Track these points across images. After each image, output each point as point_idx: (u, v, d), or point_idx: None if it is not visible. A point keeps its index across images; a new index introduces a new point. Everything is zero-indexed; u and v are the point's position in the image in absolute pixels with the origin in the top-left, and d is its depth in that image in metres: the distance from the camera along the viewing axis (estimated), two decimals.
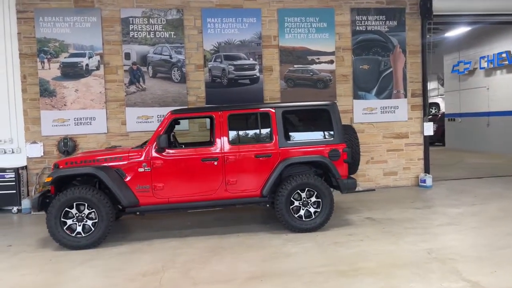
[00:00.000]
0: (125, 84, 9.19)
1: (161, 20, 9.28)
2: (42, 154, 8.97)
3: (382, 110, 10.07)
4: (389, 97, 10.09)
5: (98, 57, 9.09)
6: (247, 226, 6.87)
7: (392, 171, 10.18)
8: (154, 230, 6.97)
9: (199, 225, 7.08)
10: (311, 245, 5.81)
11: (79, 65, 9.05)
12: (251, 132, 6.73)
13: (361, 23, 9.98)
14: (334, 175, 6.50)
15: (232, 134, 6.45)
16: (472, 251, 5.33)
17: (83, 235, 5.96)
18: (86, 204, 5.95)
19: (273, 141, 6.43)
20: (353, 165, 7.05)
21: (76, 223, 5.96)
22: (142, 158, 6.23)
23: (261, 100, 9.53)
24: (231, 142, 6.38)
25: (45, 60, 8.96)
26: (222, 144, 6.34)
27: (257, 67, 9.59)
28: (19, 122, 9.03)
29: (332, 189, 6.61)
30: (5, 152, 9.00)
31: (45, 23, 8.92)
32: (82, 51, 9.05)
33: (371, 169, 10.10)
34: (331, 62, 9.86)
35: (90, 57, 9.07)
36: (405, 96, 10.16)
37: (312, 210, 6.44)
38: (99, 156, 6.29)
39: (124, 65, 9.19)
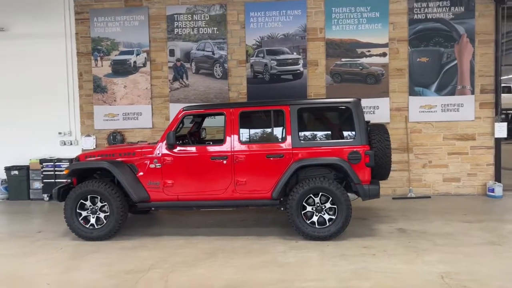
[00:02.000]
0: (169, 80, 9.38)
1: (205, 16, 9.27)
2: (95, 147, 9.54)
3: (443, 108, 8.95)
4: (452, 93, 8.92)
5: (144, 54, 9.40)
6: (263, 229, 6.56)
7: (454, 177, 9.01)
8: (172, 226, 7.00)
9: (218, 224, 6.94)
10: (313, 255, 5.33)
11: (127, 62, 9.45)
12: (263, 131, 6.39)
13: (420, 10, 8.94)
14: (353, 180, 5.89)
15: (243, 132, 6.17)
16: (497, 280, 4.43)
17: (96, 227, 6.17)
18: (99, 197, 6.14)
19: (286, 141, 6.02)
20: (381, 169, 6.32)
21: (90, 215, 6.19)
22: (154, 154, 6.25)
23: (304, 97, 9.06)
24: (242, 141, 6.11)
25: (98, 58, 9.50)
26: (232, 142, 6.10)
27: (301, 61, 9.13)
28: (76, 116, 9.72)
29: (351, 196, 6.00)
30: (64, 144, 9.76)
31: (98, 23, 9.45)
32: (131, 49, 9.43)
33: (428, 174, 9.05)
34: (384, 54, 9.00)
35: (137, 55, 9.41)
36: (472, 93, 8.90)
37: (326, 217, 5.91)
38: (116, 151, 6.46)
39: (168, 61, 9.37)
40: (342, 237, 5.96)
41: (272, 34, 9.16)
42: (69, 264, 5.28)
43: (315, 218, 5.92)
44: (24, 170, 9.54)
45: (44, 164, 9.38)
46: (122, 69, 9.47)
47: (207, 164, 6.12)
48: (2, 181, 9.69)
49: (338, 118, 6.31)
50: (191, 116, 6.66)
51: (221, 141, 6.20)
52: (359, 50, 9.06)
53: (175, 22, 9.31)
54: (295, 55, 9.14)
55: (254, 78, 9.22)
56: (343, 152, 5.93)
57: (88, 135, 9.63)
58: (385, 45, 9.00)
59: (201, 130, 7.65)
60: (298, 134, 6.02)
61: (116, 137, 9.43)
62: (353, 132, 6.00)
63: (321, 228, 5.89)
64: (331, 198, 5.86)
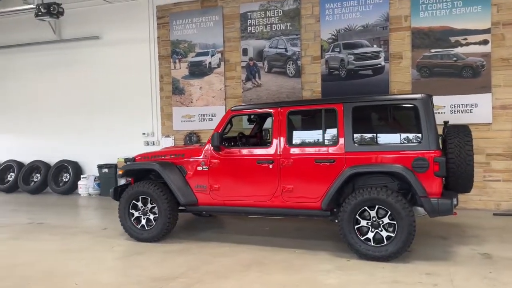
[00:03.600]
0: (242, 80, 9.16)
1: (278, 12, 8.84)
2: None
3: None
4: None
5: (219, 55, 9.32)
6: (317, 242, 5.90)
7: None
8: (226, 231, 6.73)
9: (272, 232, 6.47)
10: (359, 278, 4.56)
11: (203, 63, 9.47)
12: (313, 133, 5.72)
13: None
14: (416, 192, 4.94)
15: (291, 134, 5.60)
16: None
17: (146, 228, 6.16)
18: (149, 198, 6.13)
19: (338, 144, 5.29)
20: (461, 180, 5.21)
21: (141, 216, 6.21)
22: (201, 156, 6.03)
23: (386, 94, 8.07)
24: (289, 144, 5.54)
25: (177, 61, 9.70)
26: (279, 145, 5.57)
27: (382, 54, 8.15)
28: (158, 117, 10.06)
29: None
30: (148, 144, 10.18)
31: (177, 26, 9.64)
32: (206, 50, 9.43)
33: None
34: (484, 42, 7.57)
35: (212, 55, 9.38)
36: None
37: (384, 234, 5.05)
38: (168, 152, 6.40)
39: (241, 61, 9.15)
40: (404, 258, 5.04)
41: (350, 26, 8.34)
42: (109, 264, 5.31)
43: (370, 235, 5.10)
44: (113, 168, 10.17)
45: (127, 162, 9.85)
46: (198, 70, 9.52)
47: (253, 168, 5.69)
48: (95, 178, 10.47)
49: (402, 118, 5.37)
50: (241, 116, 6.28)
51: (268, 144, 5.72)
52: (452, 39, 7.76)
53: (248, 20, 9.05)
54: (375, 48, 8.20)
55: (329, 75, 8.51)
56: (406, 158, 5.00)
57: (168, 136, 9.89)
58: (487, 31, 7.56)
59: (263, 132, 7.24)
60: (352, 136, 5.24)
61: (192, 138, 9.52)
62: (420, 135, 5.03)
63: (377, 247, 5.04)
64: (389, 212, 4.99)
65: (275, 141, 5.61)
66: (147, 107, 10.11)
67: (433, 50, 7.87)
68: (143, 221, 6.19)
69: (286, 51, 8.80)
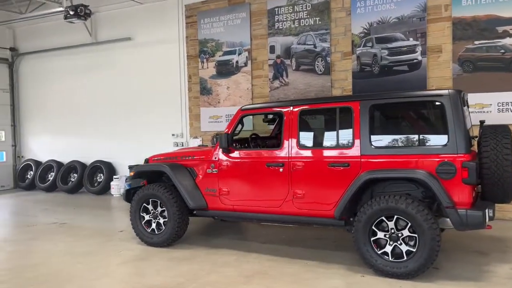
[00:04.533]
0: (269, 79, 8.77)
1: (306, 6, 8.35)
2: None
3: None
4: None
5: (246, 53, 8.99)
6: (333, 253, 5.39)
7: None
8: (240, 237, 6.36)
9: (288, 241, 6.03)
10: None
11: (230, 62, 9.18)
12: (327, 134, 5.21)
13: None
14: (441, 201, 4.31)
15: (303, 135, 5.14)
16: None
17: (156, 232, 5.94)
18: (159, 202, 5.90)
19: (354, 146, 4.76)
20: (497, 188, 4.50)
21: (152, 219, 6.00)
22: (211, 158, 5.72)
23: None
24: (301, 146, 5.08)
25: (204, 60, 9.49)
26: (290, 147, 5.13)
27: (419, 48, 7.43)
28: (187, 118, 9.90)
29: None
30: (177, 145, 10.04)
31: (205, 24, 9.43)
32: (233, 48, 9.13)
33: None
34: None
35: (239, 54, 9.07)
36: None
37: (403, 248, 4.46)
38: (180, 154, 6.15)
39: (268, 59, 8.76)
40: (427, 276, 4.43)
41: (383, 19, 7.70)
42: (111, 269, 5.13)
43: (388, 248, 4.53)
44: None
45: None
46: (225, 69, 9.25)
47: (262, 171, 5.29)
48: (126, 179, 10.49)
49: (426, 118, 4.76)
50: (253, 116, 5.92)
51: (278, 146, 5.29)
52: (499, 29, 6.91)
53: (275, 16, 8.64)
54: (411, 41, 7.50)
55: (361, 72, 7.90)
56: (430, 163, 4.39)
57: (196, 137, 9.70)
58: None
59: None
60: (370, 138, 4.69)
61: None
62: (446, 136, 4.39)
63: (395, 262, 4.47)
64: (410, 224, 4.39)
65: (286, 143, 5.17)
66: (176, 107, 9.98)
67: (477, 42, 7.04)
68: (154, 225, 5.97)
69: (315, 47, 8.30)
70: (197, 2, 9.53)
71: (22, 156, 12.61)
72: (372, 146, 4.68)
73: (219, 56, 9.31)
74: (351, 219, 4.87)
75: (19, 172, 12.20)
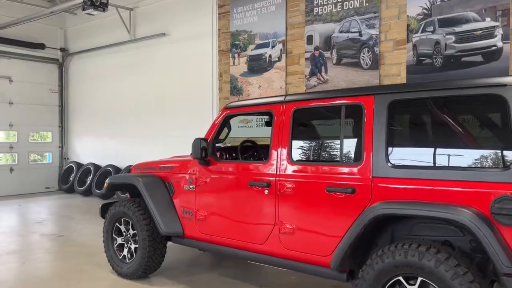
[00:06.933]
0: (305, 76, 7.25)
1: None
2: None
3: None
4: None
5: (280, 46, 7.57)
6: None
7: None
8: (233, 275, 4.91)
9: (296, 285, 4.49)
10: None
11: (263, 57, 7.83)
12: (326, 143, 3.61)
13: None
14: (492, 260, 2.55)
15: (296, 144, 3.61)
16: None
17: (126, 260, 4.77)
18: (130, 222, 4.74)
19: (363, 163, 3.14)
20: None
21: (124, 243, 4.85)
22: (188, 170, 4.41)
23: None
24: (293, 159, 3.56)
25: (236, 55, 8.24)
26: (279, 160, 3.63)
27: (499, 32, 5.45)
28: None
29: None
30: None
31: (237, 14, 8.19)
32: (266, 41, 7.77)
33: None
34: None
35: (273, 46, 7.68)
36: None
37: None
38: (161, 163, 4.94)
39: (305, 52, 7.24)
40: None
41: None
42: None
43: None
44: None
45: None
46: (257, 65, 7.91)
47: (244, 192, 3.85)
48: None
49: (477, 121, 2.97)
50: (238, 116, 4.49)
51: (265, 157, 3.83)
52: None
53: (314, 0, 7.11)
54: (488, 23, 5.53)
55: (419, 65, 6.07)
56: (481, 195, 2.65)
57: (224, 143, 8.45)
58: None
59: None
60: (387, 151, 3.05)
61: None
62: (508, 151, 2.62)
63: None
64: None
65: (274, 154, 3.68)
66: (208, 109, 8.85)
67: None
68: (125, 251, 4.82)
69: (360, 35, 6.62)
70: None
71: (68, 158, 12.40)
72: (390, 164, 3.02)
73: (251, 50, 7.99)
74: (360, 270, 3.23)
75: (63, 174, 11.97)
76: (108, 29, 10.87)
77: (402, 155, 3.07)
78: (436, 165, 2.91)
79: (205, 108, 8.87)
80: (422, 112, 3.18)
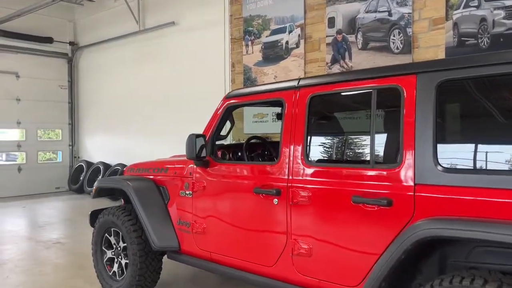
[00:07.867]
0: (327, 63, 6.43)
1: None
2: None
3: None
4: None
5: (298, 31, 6.76)
6: None
7: None
8: None
9: None
10: None
11: (279, 44, 7.04)
12: (353, 140, 2.81)
13: None
14: None
15: (314, 140, 2.83)
16: None
17: (117, 278, 4.09)
18: (120, 233, 4.05)
19: (403, 165, 2.34)
20: None
21: (114, 257, 4.17)
22: (184, 173, 3.68)
23: None
24: (309, 160, 2.78)
25: (249, 43, 7.48)
26: (291, 161, 2.85)
27: None
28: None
29: None
30: None
31: None
32: (282, 26, 6.97)
33: None
34: None
35: (290, 32, 6.88)
36: None
37: None
38: (155, 165, 4.23)
39: (327, 36, 6.42)
40: None
41: None
42: None
43: None
44: None
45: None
46: (272, 53, 7.13)
47: (248, 200, 3.10)
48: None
49: None
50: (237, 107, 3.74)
51: (275, 157, 3.06)
52: None
53: None
54: None
55: (460, 47, 5.17)
56: None
57: (238, 141, 7.72)
58: None
59: None
60: (435, 149, 2.23)
61: None
62: None
63: None
64: None
65: (285, 154, 2.91)
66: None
67: None
68: (115, 266, 4.14)
69: (390, 14, 5.76)
70: None
71: (78, 157, 11.90)
72: (440, 167, 2.21)
73: (266, 36, 7.21)
74: None
75: (73, 174, 11.47)
76: (117, 21, 10.27)
77: (458, 155, 2.24)
78: (509, 169, 2.07)
79: (218, 101, 8.13)
80: (487, 96, 2.32)
